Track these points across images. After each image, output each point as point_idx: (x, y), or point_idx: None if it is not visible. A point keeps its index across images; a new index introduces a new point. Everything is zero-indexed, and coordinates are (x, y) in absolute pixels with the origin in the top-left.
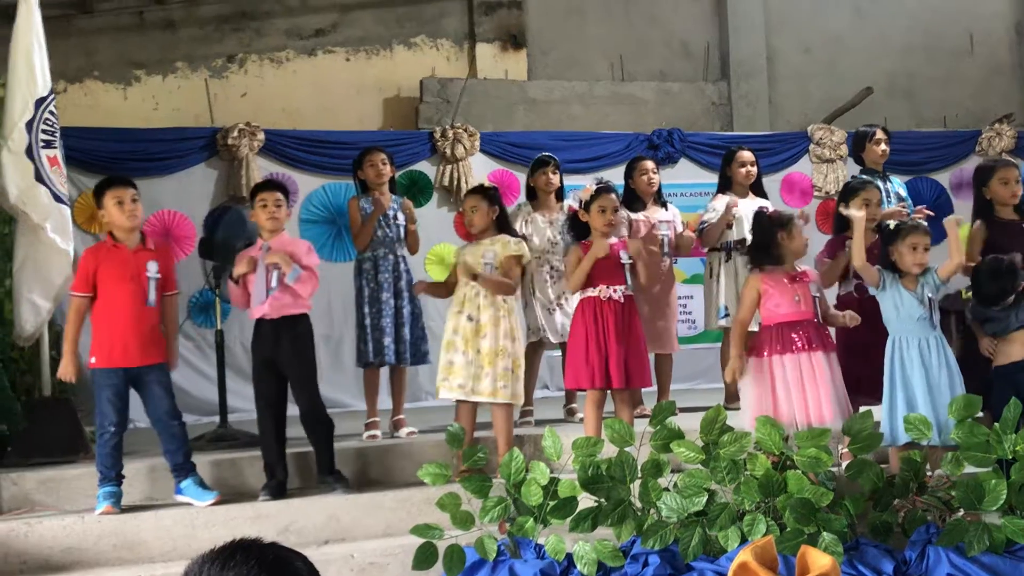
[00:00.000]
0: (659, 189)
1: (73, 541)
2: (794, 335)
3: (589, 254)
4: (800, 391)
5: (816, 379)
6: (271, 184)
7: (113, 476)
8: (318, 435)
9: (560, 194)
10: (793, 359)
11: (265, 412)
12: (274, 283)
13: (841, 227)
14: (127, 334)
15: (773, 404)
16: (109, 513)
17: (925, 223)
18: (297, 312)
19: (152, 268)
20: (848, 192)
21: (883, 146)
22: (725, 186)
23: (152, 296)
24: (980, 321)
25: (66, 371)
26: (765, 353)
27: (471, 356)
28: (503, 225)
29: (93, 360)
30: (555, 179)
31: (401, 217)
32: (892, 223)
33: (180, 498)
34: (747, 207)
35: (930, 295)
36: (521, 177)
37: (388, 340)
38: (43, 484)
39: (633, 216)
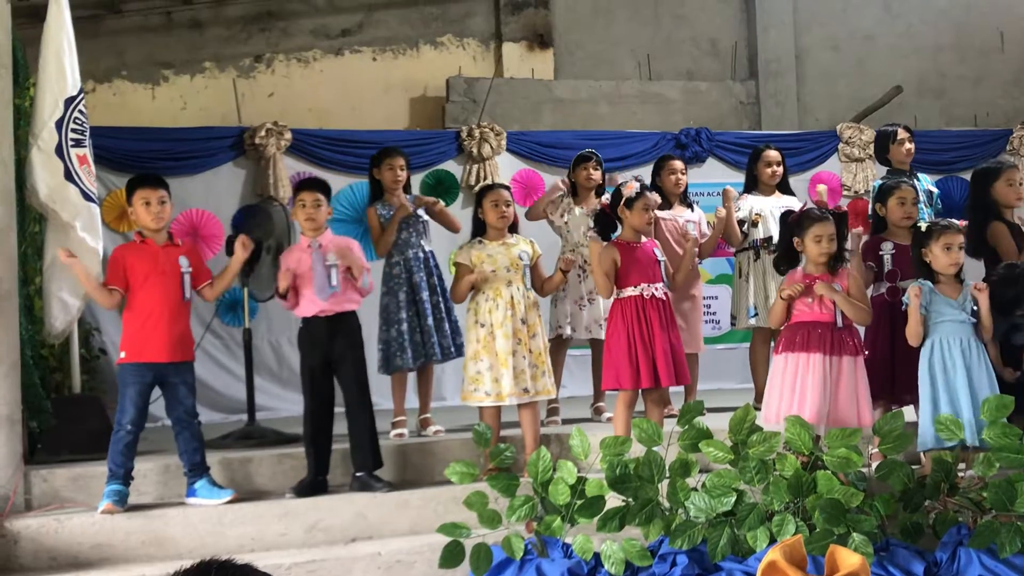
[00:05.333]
0: (685, 189)
1: (102, 537)
2: (798, 336)
3: (600, 260)
4: (792, 390)
5: (839, 382)
6: (309, 183)
7: (122, 475)
8: (365, 434)
9: (600, 191)
10: (794, 358)
11: (318, 412)
12: (335, 281)
13: (877, 228)
14: (159, 329)
15: (790, 401)
16: (110, 512)
17: (957, 222)
18: (351, 309)
19: (184, 263)
20: (883, 192)
21: (907, 145)
22: (751, 184)
23: (187, 291)
24: (1003, 333)
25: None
26: (787, 350)
27: (531, 358)
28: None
29: (123, 355)
30: (596, 175)
31: (422, 212)
32: (923, 224)
33: (192, 500)
34: (773, 205)
35: (973, 307)
36: (547, 177)
37: (434, 338)
38: (73, 481)
39: (659, 215)
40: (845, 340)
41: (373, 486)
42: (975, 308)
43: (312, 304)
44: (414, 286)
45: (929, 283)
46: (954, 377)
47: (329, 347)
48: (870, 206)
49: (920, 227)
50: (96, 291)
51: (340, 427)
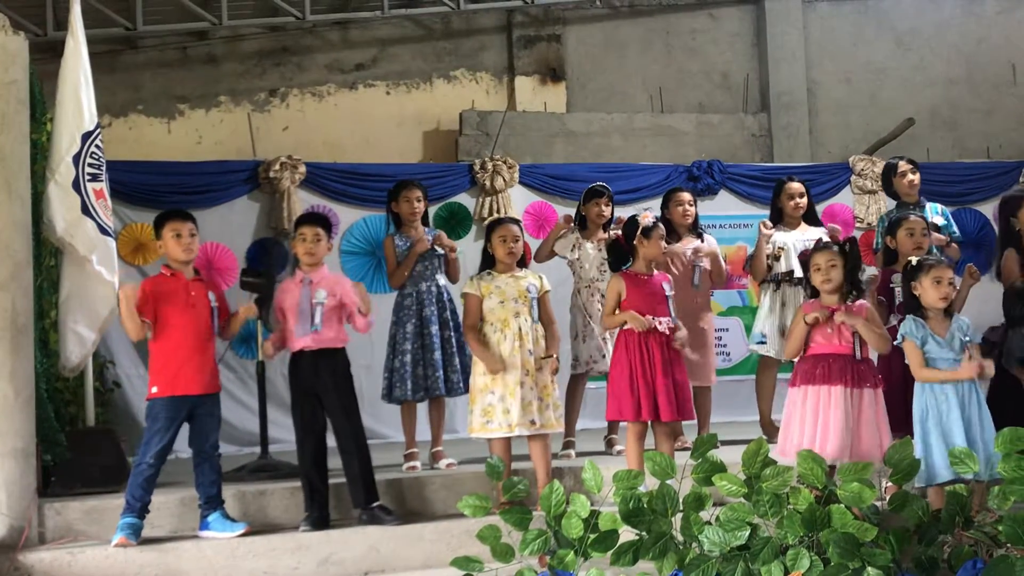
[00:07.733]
0: (696, 220)
1: (115, 571)
2: (818, 369)
3: (614, 292)
4: (813, 424)
5: (860, 415)
6: (311, 218)
7: (138, 508)
8: (356, 467)
9: (607, 225)
10: (815, 391)
11: (306, 442)
12: (317, 319)
13: (888, 261)
14: (191, 361)
15: (812, 435)
16: (124, 545)
17: (946, 258)
18: (337, 346)
19: (212, 297)
20: (891, 225)
21: (909, 176)
22: (776, 218)
23: (217, 324)
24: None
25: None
26: (806, 383)
27: (537, 391)
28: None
29: (155, 390)
30: (607, 211)
31: (439, 247)
32: (914, 259)
33: (205, 533)
34: (797, 238)
35: (963, 338)
36: (560, 209)
37: (439, 372)
38: (86, 514)
39: (670, 247)
40: (865, 372)
41: (383, 519)
42: (964, 340)
43: (299, 339)
44: (424, 319)
45: (921, 320)
46: (947, 411)
47: (315, 381)
48: (875, 238)
49: (910, 261)
50: (130, 319)
51: (335, 461)
